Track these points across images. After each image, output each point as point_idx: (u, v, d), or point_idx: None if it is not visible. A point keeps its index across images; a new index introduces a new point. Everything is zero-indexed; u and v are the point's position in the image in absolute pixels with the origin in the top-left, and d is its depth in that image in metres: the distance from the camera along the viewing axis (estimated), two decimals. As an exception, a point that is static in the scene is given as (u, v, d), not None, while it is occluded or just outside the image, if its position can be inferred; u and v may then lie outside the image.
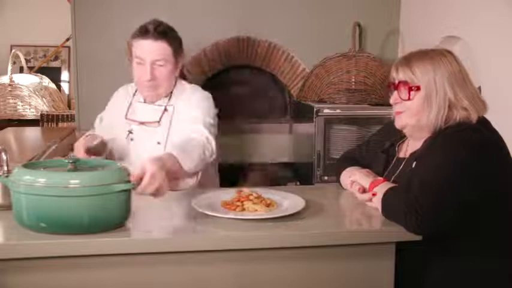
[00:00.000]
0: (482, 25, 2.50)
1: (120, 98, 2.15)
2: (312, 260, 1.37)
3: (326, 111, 2.86)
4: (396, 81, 1.56)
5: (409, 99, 1.52)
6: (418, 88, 1.51)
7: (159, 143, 1.98)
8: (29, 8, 5.34)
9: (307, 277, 1.38)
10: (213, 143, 1.88)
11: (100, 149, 1.88)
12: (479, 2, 2.56)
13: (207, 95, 2.07)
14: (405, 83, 1.52)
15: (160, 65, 1.94)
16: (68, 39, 4.52)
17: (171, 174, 1.56)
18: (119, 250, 1.27)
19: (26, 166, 1.33)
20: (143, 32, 1.95)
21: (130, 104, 2.07)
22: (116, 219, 1.31)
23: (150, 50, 1.93)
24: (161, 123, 2.00)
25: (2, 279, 1.26)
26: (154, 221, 1.44)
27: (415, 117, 1.53)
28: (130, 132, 2.04)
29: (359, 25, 3.29)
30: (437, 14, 2.94)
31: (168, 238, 1.31)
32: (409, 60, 1.55)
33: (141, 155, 1.88)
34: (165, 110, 2.00)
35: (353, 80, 2.96)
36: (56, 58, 5.66)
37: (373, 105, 2.92)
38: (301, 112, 3.17)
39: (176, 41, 2.00)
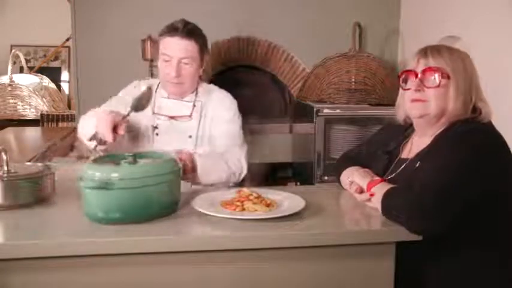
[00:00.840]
0: (482, 25, 2.50)
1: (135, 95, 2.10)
2: (312, 260, 1.37)
3: (326, 111, 2.86)
4: (420, 69, 1.52)
5: (439, 86, 1.50)
6: (448, 76, 1.49)
7: (190, 136, 2.03)
8: (29, 8, 5.34)
9: (307, 277, 1.38)
10: (245, 165, 2.00)
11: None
12: (479, 2, 2.56)
13: (232, 100, 2.13)
14: (437, 69, 1.50)
15: (186, 63, 1.98)
16: (68, 39, 4.53)
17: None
18: (119, 250, 1.27)
19: (94, 162, 1.43)
20: (171, 30, 1.98)
21: (154, 99, 2.08)
22: (174, 202, 1.46)
23: (177, 47, 1.97)
24: (192, 117, 2.05)
25: (2, 279, 1.26)
26: (154, 221, 1.44)
27: (440, 104, 1.50)
28: (155, 127, 2.06)
29: (359, 25, 3.29)
30: (437, 14, 2.94)
31: (168, 238, 1.31)
32: (438, 49, 1.54)
33: (173, 147, 1.88)
34: (194, 105, 2.05)
35: (353, 80, 2.96)
36: (56, 58, 5.66)
37: (373, 105, 2.92)
38: (301, 112, 3.17)
39: (202, 40, 2.04)
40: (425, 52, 1.55)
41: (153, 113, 2.06)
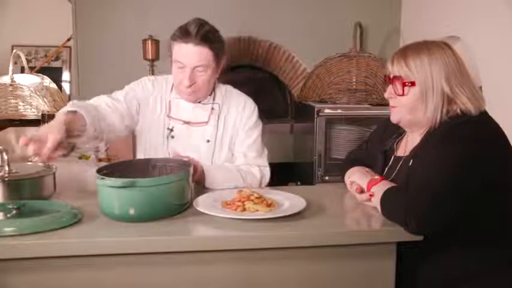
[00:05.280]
0: (482, 25, 2.51)
1: (148, 93, 1.99)
2: (312, 260, 1.37)
3: (327, 111, 2.87)
4: (391, 75, 1.52)
5: (403, 94, 1.49)
6: (412, 84, 1.47)
7: (208, 141, 1.96)
8: (30, 8, 5.34)
9: (308, 277, 1.38)
10: (266, 172, 1.96)
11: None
12: (479, 2, 2.56)
13: (254, 105, 2.04)
14: (399, 78, 1.49)
15: (200, 71, 1.86)
16: (69, 39, 4.53)
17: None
18: (119, 250, 1.28)
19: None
20: (185, 35, 1.83)
21: (170, 101, 1.98)
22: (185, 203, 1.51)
23: (191, 55, 1.83)
24: (209, 123, 1.97)
25: (2, 279, 1.26)
26: (154, 220, 1.44)
27: (410, 113, 1.50)
28: (170, 130, 1.96)
29: (360, 25, 3.30)
30: (438, 14, 2.94)
31: (168, 238, 1.31)
32: (405, 53, 1.50)
33: (191, 152, 1.85)
34: (212, 108, 1.97)
35: (354, 80, 2.96)
36: (57, 58, 5.66)
37: (374, 105, 2.92)
38: (302, 112, 3.18)
39: (218, 44, 1.88)
40: (392, 58, 1.53)
41: (167, 116, 1.96)
